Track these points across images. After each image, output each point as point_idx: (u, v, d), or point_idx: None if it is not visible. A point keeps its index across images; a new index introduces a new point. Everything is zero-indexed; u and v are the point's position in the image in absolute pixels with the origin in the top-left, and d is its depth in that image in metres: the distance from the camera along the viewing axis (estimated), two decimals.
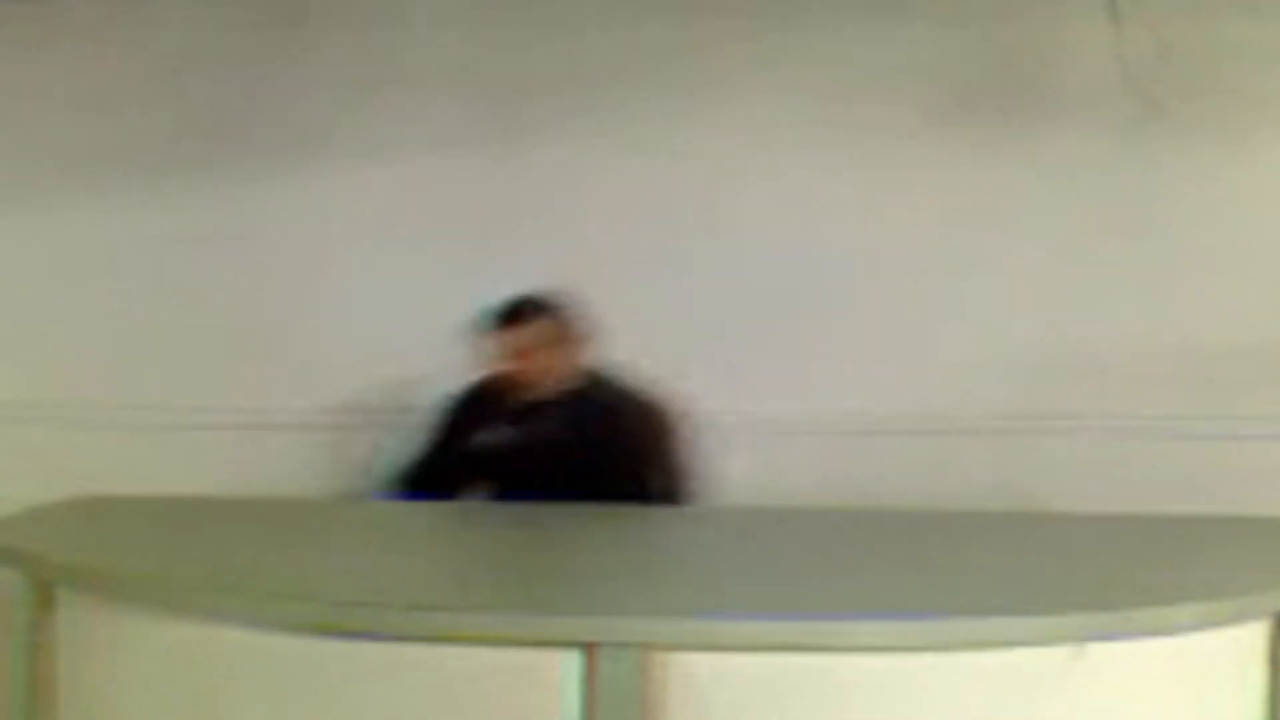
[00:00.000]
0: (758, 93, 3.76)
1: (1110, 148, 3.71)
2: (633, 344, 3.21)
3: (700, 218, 3.75)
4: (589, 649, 1.86)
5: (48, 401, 3.75)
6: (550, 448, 3.01)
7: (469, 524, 2.84)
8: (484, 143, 3.79)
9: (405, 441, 3.23)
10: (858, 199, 3.76)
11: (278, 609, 1.97)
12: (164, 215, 3.81)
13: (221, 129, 3.81)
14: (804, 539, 2.64)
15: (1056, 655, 1.89)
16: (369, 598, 2.00)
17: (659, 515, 2.89)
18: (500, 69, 3.79)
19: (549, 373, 3.04)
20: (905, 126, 3.75)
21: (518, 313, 3.03)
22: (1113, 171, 3.73)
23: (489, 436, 3.06)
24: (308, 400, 3.74)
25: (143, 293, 3.81)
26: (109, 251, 3.82)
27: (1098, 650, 1.90)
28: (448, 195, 3.79)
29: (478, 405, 3.13)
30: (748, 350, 3.69)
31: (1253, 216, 3.73)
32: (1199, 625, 1.97)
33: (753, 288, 3.75)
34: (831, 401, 3.69)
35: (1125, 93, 3.60)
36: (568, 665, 1.87)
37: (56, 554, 2.27)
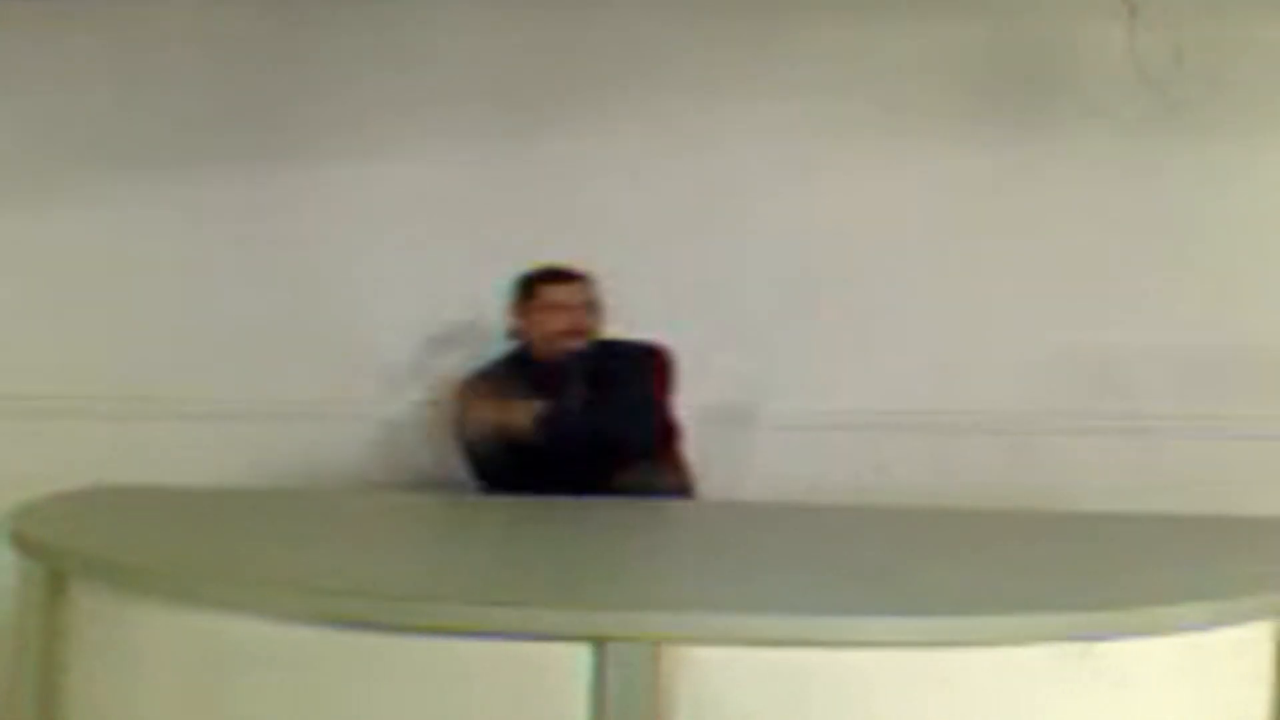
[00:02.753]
0: (773, 89, 3.75)
1: (1125, 145, 3.70)
2: (640, 333, 3.22)
3: (712, 214, 3.75)
4: (599, 643, 1.87)
5: (64, 393, 3.76)
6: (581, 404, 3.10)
7: (481, 517, 2.84)
8: (505, 134, 3.78)
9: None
10: (870, 195, 3.75)
11: (288, 600, 1.98)
12: (187, 206, 3.81)
13: (246, 120, 3.80)
14: (814, 535, 2.64)
15: (1066, 653, 1.90)
16: (379, 590, 2.01)
17: (670, 509, 2.90)
18: (523, 63, 3.78)
19: (584, 333, 3.16)
20: (918, 123, 3.74)
21: (565, 273, 3.17)
22: (1127, 169, 3.72)
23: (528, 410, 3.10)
24: (324, 391, 3.75)
25: (161, 283, 3.81)
26: (127, 242, 3.81)
27: (1105, 649, 1.91)
28: (470, 185, 3.79)
29: (498, 386, 3.15)
30: (759, 346, 3.69)
31: (1267, 215, 3.72)
32: (1207, 624, 1.98)
33: (765, 284, 3.74)
34: (842, 398, 3.69)
35: (1140, 90, 3.59)
36: (578, 659, 1.87)
37: (70, 543, 2.28)
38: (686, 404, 3.19)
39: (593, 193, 3.74)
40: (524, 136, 3.78)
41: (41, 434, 3.65)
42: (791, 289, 3.73)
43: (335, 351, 3.74)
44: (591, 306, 3.17)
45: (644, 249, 3.64)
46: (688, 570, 2.30)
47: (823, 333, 3.72)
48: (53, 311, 3.81)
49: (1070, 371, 3.70)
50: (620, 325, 3.21)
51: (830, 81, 3.74)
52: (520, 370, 3.17)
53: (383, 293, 3.77)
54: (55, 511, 2.53)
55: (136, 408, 3.73)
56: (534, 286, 3.17)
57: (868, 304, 3.74)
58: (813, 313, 3.72)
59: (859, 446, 3.59)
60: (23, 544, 2.30)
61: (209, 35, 3.82)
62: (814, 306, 3.73)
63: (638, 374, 3.15)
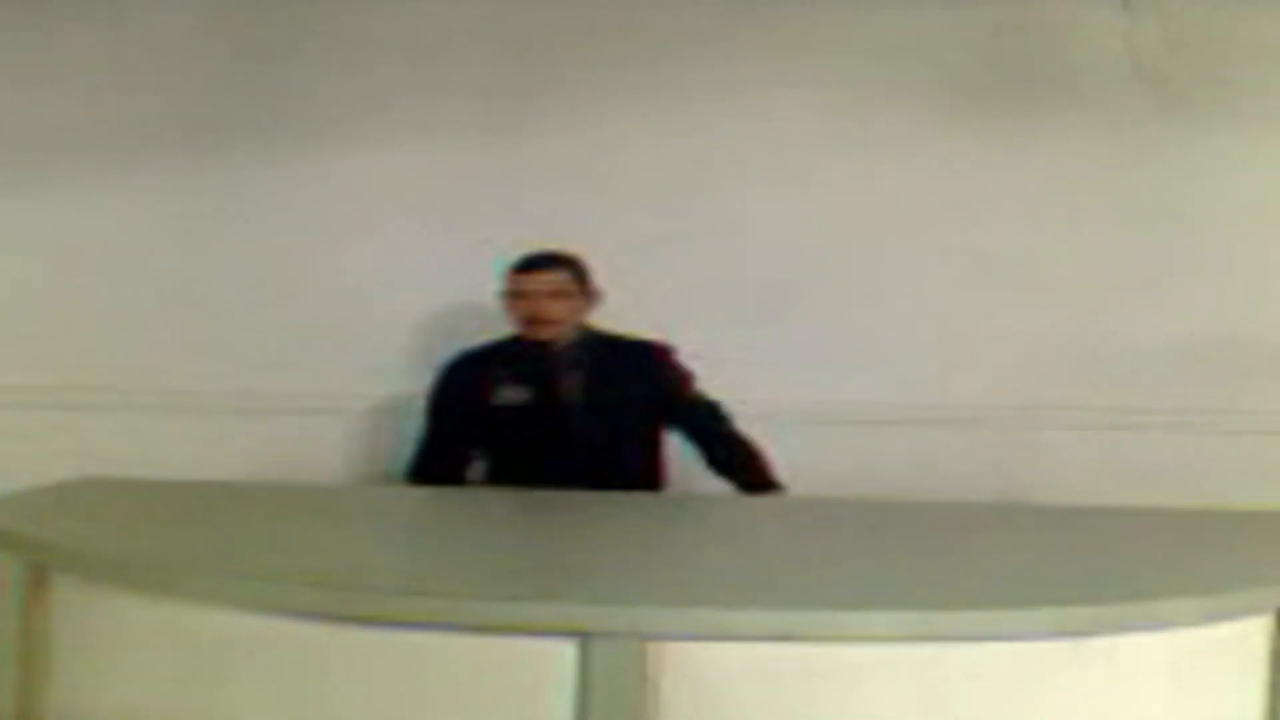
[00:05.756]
0: (767, 79, 3.75)
1: (1121, 138, 3.71)
2: (633, 325, 3.25)
3: (705, 203, 3.75)
4: (585, 637, 1.84)
5: (49, 385, 3.74)
6: (574, 397, 3.13)
7: (469, 510, 2.82)
8: (497, 127, 3.78)
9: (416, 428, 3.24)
10: (863, 188, 3.75)
11: (272, 593, 1.96)
12: (178, 199, 3.81)
13: (238, 113, 3.79)
14: (802, 529, 2.63)
15: (1057, 648, 1.88)
16: (364, 583, 1.99)
17: (657, 503, 2.88)
18: (515, 55, 3.78)
19: (564, 321, 3.15)
20: (913, 116, 3.74)
21: (542, 260, 3.16)
22: (1123, 162, 3.72)
23: (510, 394, 3.13)
24: (309, 384, 3.73)
25: (147, 275, 3.80)
26: (116, 235, 3.81)
27: (1098, 644, 1.89)
28: (461, 178, 3.78)
29: (484, 368, 3.18)
30: (748, 337, 3.68)
31: (1263, 209, 3.72)
32: (1199, 620, 1.96)
33: (756, 275, 3.74)
34: (831, 391, 3.68)
35: (1137, 83, 3.59)
36: (563, 654, 1.85)
37: (50, 536, 2.25)
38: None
39: (585, 183, 3.73)
40: (515, 129, 3.78)
41: (23, 426, 3.64)
42: (782, 280, 3.72)
43: (324, 345, 3.73)
44: (565, 295, 3.14)
45: (634, 240, 3.63)
46: (675, 564, 2.27)
47: (814, 324, 3.71)
48: (39, 304, 3.80)
49: (1062, 365, 3.70)
50: (609, 316, 3.21)
51: (824, 74, 3.74)
52: (512, 356, 3.16)
53: (374, 286, 3.76)
54: (35, 504, 2.51)
55: (122, 400, 3.71)
56: (508, 273, 3.17)
57: (860, 295, 3.74)
58: (803, 304, 3.72)
59: (850, 439, 3.59)
60: (2, 537, 2.27)
61: (199, 30, 3.80)
62: (804, 298, 3.72)
63: (639, 373, 3.15)
